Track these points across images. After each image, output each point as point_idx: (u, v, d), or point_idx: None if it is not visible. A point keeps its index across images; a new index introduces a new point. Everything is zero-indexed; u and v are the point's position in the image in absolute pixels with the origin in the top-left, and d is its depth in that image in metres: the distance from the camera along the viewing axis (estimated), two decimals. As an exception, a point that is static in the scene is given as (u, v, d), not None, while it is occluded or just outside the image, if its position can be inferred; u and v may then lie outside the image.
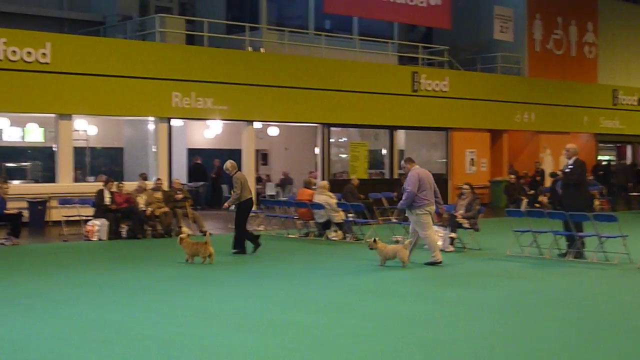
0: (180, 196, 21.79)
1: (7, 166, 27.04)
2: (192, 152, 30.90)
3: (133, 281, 13.60)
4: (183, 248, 15.89)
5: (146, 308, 11.03)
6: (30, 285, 13.06)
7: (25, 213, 21.35)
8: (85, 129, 27.25)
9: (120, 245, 19.49)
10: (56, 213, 22.84)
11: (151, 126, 26.55)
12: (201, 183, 30.22)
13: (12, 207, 20.25)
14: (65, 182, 24.08)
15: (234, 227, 17.81)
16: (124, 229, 20.54)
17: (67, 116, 24.36)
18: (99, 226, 20.12)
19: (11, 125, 26.22)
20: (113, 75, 24.85)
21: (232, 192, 17.88)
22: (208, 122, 28.68)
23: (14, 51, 23.01)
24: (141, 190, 21.52)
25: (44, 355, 8.29)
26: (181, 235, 16.59)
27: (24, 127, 27.09)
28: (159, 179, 22.78)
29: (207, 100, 26.58)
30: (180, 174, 28.07)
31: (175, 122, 26.88)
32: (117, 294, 12.18)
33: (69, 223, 21.54)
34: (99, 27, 29.50)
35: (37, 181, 26.45)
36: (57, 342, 8.85)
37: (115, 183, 21.29)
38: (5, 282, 13.51)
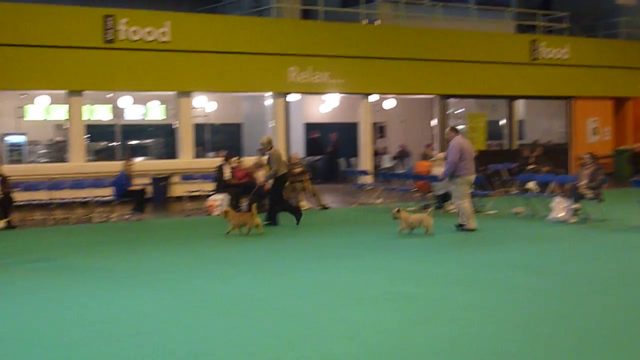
0: (298, 170, 21.95)
1: (131, 144, 27.75)
2: (309, 127, 31.07)
3: (254, 255, 13.78)
4: (229, 221, 16.28)
5: (269, 282, 11.15)
6: (159, 260, 13.38)
7: (149, 189, 21.86)
8: (205, 105, 27.73)
9: (241, 219, 19.77)
10: (178, 189, 23.36)
11: (268, 101, 26.79)
12: (318, 157, 30.38)
13: (136, 183, 20.80)
14: (186, 158, 24.56)
15: (269, 200, 18.17)
16: (244, 204, 20.85)
17: (186, 93, 24.80)
18: (220, 201, 20.48)
19: (133, 103, 26.85)
20: (231, 52, 25.14)
21: (269, 167, 18.29)
22: (324, 96, 28.75)
23: (135, 31, 23.53)
24: (260, 165, 21.77)
25: (179, 329, 8.49)
26: (225, 209, 17.01)
27: (146, 105, 27.73)
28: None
29: (324, 74, 26.64)
30: (298, 149, 28.26)
31: (292, 97, 27.03)
32: (241, 268, 12.36)
33: (191, 198, 22.00)
34: (217, 4, 29.85)
35: (159, 158, 27.07)
36: (185, 315, 9.02)
37: (235, 158, 21.62)
38: (134, 256, 13.89)
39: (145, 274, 11.95)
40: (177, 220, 19.84)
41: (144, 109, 27.81)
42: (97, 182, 20.91)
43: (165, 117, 28.07)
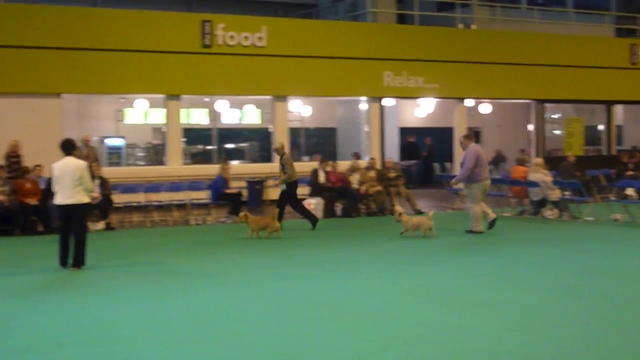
0: (393, 175, 21.91)
1: (227, 147, 28.08)
2: (404, 131, 30.95)
3: (348, 259, 13.77)
4: (249, 224, 16.44)
5: (359, 285, 11.12)
6: (253, 263, 13.49)
7: (244, 192, 22.07)
8: (300, 109, 27.89)
9: (334, 223, 19.82)
10: (273, 192, 23.48)
11: (363, 106, 26.79)
12: (413, 161, 30.25)
13: (232, 186, 21.03)
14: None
15: (291, 207, 18.27)
16: (338, 207, 20.92)
17: (282, 98, 24.98)
18: (314, 204, 20.57)
19: (230, 107, 27.17)
20: (326, 57, 25.23)
21: (281, 172, 18.20)
22: (419, 100, 28.61)
23: (232, 36, 23.82)
24: (354, 169, 21.78)
25: (262, 330, 8.54)
26: (244, 213, 17.12)
27: (242, 109, 28.03)
28: (372, 158, 23.01)
29: (419, 78, 26.53)
30: (393, 153, 28.20)
31: (387, 101, 26.97)
32: (331, 272, 12.36)
33: (285, 201, 22.12)
34: (312, 9, 30.02)
35: (254, 161, 27.33)
36: (278, 318, 9.06)
37: (330, 162, 21.70)
38: (229, 259, 14.03)
39: (239, 276, 12.06)
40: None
41: (240, 113, 28.10)
42: (193, 184, 21.24)
43: (260, 121, 28.32)
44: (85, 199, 12.84)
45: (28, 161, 19.03)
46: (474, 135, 31.89)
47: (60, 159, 12.87)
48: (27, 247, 15.75)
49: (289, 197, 18.13)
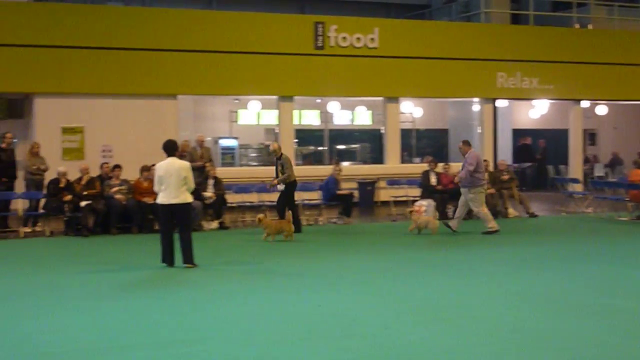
0: (506, 177, 21.61)
1: (338, 148, 28.18)
2: (517, 133, 30.49)
3: (457, 261, 13.62)
4: (264, 228, 16.41)
5: (474, 289, 10.99)
6: (365, 264, 13.49)
7: (356, 193, 22.11)
8: (411, 111, 27.79)
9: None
10: (384, 193, 23.49)
11: (476, 107, 26.51)
12: (527, 164, 29.77)
13: (343, 187, 21.08)
14: (392, 163, 24.67)
15: (287, 207, 17.64)
16: (450, 209, 20.73)
17: (394, 99, 24.91)
18: (425, 206, 20.42)
19: (341, 108, 27.25)
20: (438, 58, 25.05)
21: (280, 172, 18.03)
22: (533, 102, 28.15)
23: (344, 37, 23.88)
24: (466, 171, 21.53)
25: (378, 330, 8.52)
26: (259, 216, 17.01)
27: (353, 110, 28.07)
28: (485, 160, 22.70)
29: (533, 79, 26.07)
30: (506, 155, 27.80)
31: (500, 103, 26.63)
32: (446, 274, 12.25)
33: (397, 203, 22.09)
34: (424, 10, 29.88)
35: (365, 162, 27.34)
36: (393, 320, 9.03)
37: (441, 164, 21.55)
38: (341, 259, 14.07)
39: (352, 277, 12.07)
40: (382, 225, 19.98)
41: (351, 114, 28.16)
42: (305, 185, 21.35)
43: (371, 123, 28.31)
44: (189, 199, 13.09)
45: (145, 161, 19.47)
46: (590, 137, 31.28)
47: (163, 160, 13.13)
48: (142, 244, 16.10)
49: (287, 197, 18.03)
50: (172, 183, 12.82)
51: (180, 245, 12.93)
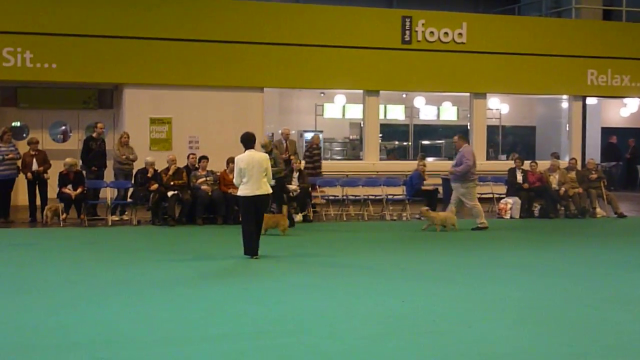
0: (594, 176, 21.18)
1: (423, 144, 28.02)
2: (606, 131, 29.84)
3: (546, 262, 13.39)
4: None
5: (562, 290, 10.79)
6: (448, 261, 13.37)
7: (440, 189, 21.93)
8: (498, 107, 27.46)
9: (532, 224, 19.39)
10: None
11: (564, 104, 26.08)
12: (614, 163, 29.14)
13: (428, 183, 20.93)
14: (478, 159, 24.38)
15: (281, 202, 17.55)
16: (536, 208, 20.44)
17: (481, 95, 24.69)
18: (511, 204, 20.20)
19: (426, 104, 27.08)
20: (527, 54, 24.75)
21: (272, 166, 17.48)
22: (625, 100, 27.53)
23: (432, 32, 23.76)
24: (554, 169, 21.19)
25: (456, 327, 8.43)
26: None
27: (439, 105, 27.86)
28: (572, 159, 22.33)
29: (624, 77, 25.57)
30: (594, 154, 27.25)
31: (589, 100, 26.12)
32: (531, 273, 12.06)
33: (482, 200, 21.80)
34: (514, 5, 29.47)
35: (450, 158, 27.09)
36: (477, 318, 8.92)
37: (528, 162, 21.25)
38: (425, 255, 13.98)
39: (434, 273, 11.96)
40: (466, 222, 19.74)
41: (436, 110, 27.95)
42: (390, 180, 21.27)
43: (457, 118, 28.07)
44: (270, 190, 13.27)
45: (231, 152, 19.64)
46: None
47: (242, 153, 13.19)
48: (227, 235, 16.19)
49: (277, 191, 17.81)
50: (254, 175, 12.92)
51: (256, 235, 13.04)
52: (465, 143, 18.15)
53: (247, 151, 13.14)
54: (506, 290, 10.62)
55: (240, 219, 13.78)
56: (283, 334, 8.07)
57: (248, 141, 13.25)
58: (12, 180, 18.63)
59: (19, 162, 18.60)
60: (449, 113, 28.14)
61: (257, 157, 13.09)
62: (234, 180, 13.38)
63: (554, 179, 20.88)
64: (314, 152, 21.48)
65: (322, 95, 26.18)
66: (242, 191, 13.04)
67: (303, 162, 20.37)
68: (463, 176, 17.55)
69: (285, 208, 16.90)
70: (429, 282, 11.17)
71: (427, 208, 17.83)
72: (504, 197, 20.74)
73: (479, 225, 17.51)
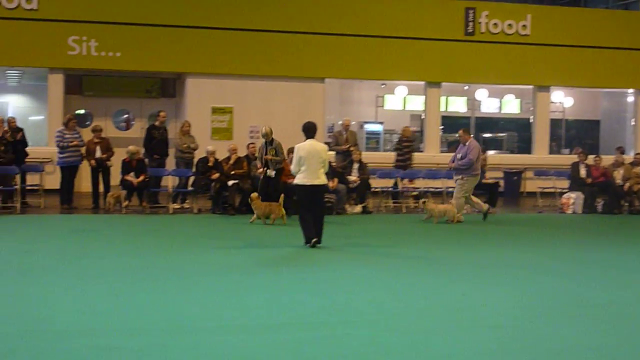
0: (661, 173, 20.79)
1: (484, 136, 27.77)
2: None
3: (607, 257, 13.16)
4: (255, 209, 16.14)
5: (629, 287, 10.61)
6: (511, 255, 13.22)
7: (501, 183, 21.74)
8: (562, 100, 27.09)
9: (594, 219, 19.10)
10: (531, 184, 23.02)
11: (630, 98, 25.63)
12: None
13: (489, 176, 20.74)
14: (540, 153, 24.19)
15: (272, 192, 17.16)
16: (599, 203, 20.12)
17: (544, 88, 24.38)
18: (574, 199, 19.92)
19: (489, 96, 26.83)
20: (592, 46, 24.41)
21: (273, 156, 17.57)
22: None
23: (496, 24, 23.52)
24: (618, 164, 20.85)
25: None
26: (252, 195, 16.44)
27: (502, 98, 27.58)
28: (638, 154, 21.92)
29: (693, 70, 25.05)
30: (659, 149, 26.77)
31: (656, 95, 25.68)
32: (597, 270, 11.89)
33: (544, 195, 21.58)
34: (580, -3, 29.09)
35: (512, 152, 26.85)
36: (532, 312, 8.80)
37: (591, 156, 20.92)
38: (482, 250, 13.84)
39: (494, 268, 11.81)
40: (527, 216, 19.56)
41: (499, 103, 27.68)
42: (449, 172, 21.05)
43: (519, 111, 27.75)
44: (326, 181, 13.37)
45: (291, 143, 19.61)
46: None
47: (302, 141, 13.20)
48: (290, 225, 16.11)
49: (277, 183, 17.58)
50: (312, 164, 12.96)
51: (317, 225, 13.03)
52: (470, 137, 18.12)
53: (307, 140, 13.16)
54: (568, 286, 10.46)
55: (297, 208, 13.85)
56: (342, 325, 8.05)
57: (309, 130, 13.27)
58: (76, 167, 18.92)
59: (83, 149, 18.87)
60: (511, 106, 27.83)
61: (317, 147, 13.11)
62: (292, 168, 13.40)
63: (619, 174, 20.54)
64: (404, 144, 21.27)
65: (383, 86, 26.09)
66: (299, 180, 13.06)
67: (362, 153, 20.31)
68: (467, 169, 17.45)
69: (282, 198, 16.58)
70: (489, 276, 11.05)
71: (425, 200, 17.77)
72: (566, 192, 20.46)
73: (451, 219, 17.25)
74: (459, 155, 17.69)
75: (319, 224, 13.05)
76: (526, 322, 8.34)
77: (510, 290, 10.05)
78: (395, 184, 20.82)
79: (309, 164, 12.94)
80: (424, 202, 17.59)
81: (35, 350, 6.72)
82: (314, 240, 12.90)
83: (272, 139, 17.63)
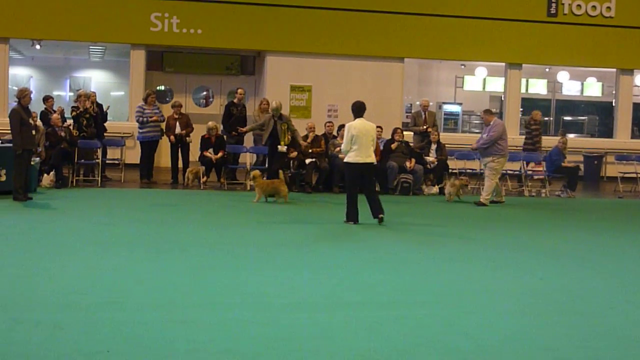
0: None
1: (565, 119, 27.35)
2: None
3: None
4: (257, 187, 15.88)
5: None
6: (585, 240, 13.04)
7: (581, 167, 21.39)
8: (645, 84, 26.52)
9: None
10: (612, 169, 22.60)
11: None
12: None
13: (569, 160, 20.43)
14: (622, 138, 23.73)
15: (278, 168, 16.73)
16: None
17: (628, 71, 23.88)
18: (656, 186, 19.55)
19: (570, 79, 26.39)
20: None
21: (286, 132, 17.13)
22: None
23: (579, 5, 23.10)
24: None
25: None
26: (254, 173, 16.24)
27: (584, 81, 27.10)
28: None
29: None
30: None
31: None
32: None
33: (625, 180, 21.17)
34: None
35: (592, 135, 26.40)
36: (618, 299, 8.67)
37: (676, 142, 20.47)
38: (558, 234, 13.66)
39: (571, 252, 11.66)
40: (608, 201, 19.23)
41: (580, 85, 27.20)
42: (530, 156, 20.82)
43: (601, 94, 27.24)
44: (375, 159, 13.62)
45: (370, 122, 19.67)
46: None
47: (353, 120, 13.38)
48: (362, 203, 16.23)
49: (283, 159, 17.36)
50: (364, 143, 13.18)
51: (370, 202, 13.32)
52: (493, 117, 17.45)
53: (357, 119, 13.34)
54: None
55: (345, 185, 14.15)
56: (418, 305, 8.04)
57: (359, 110, 13.49)
58: (155, 142, 19.19)
59: (163, 125, 19.12)
60: (593, 89, 27.33)
61: (368, 126, 13.35)
62: (342, 147, 13.54)
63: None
64: (532, 127, 21.08)
65: (462, 67, 25.86)
66: (350, 158, 13.27)
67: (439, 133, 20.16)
68: (494, 150, 16.84)
69: (281, 173, 16.42)
70: (565, 260, 10.89)
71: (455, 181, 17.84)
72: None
73: (482, 201, 16.87)
74: (484, 136, 17.25)
75: (375, 200, 13.31)
76: (607, 309, 8.21)
77: (588, 275, 9.92)
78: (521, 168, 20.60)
79: (361, 142, 13.15)
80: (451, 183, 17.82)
81: (114, 321, 6.85)
82: (381, 215, 13.18)
83: (281, 114, 17.49)
